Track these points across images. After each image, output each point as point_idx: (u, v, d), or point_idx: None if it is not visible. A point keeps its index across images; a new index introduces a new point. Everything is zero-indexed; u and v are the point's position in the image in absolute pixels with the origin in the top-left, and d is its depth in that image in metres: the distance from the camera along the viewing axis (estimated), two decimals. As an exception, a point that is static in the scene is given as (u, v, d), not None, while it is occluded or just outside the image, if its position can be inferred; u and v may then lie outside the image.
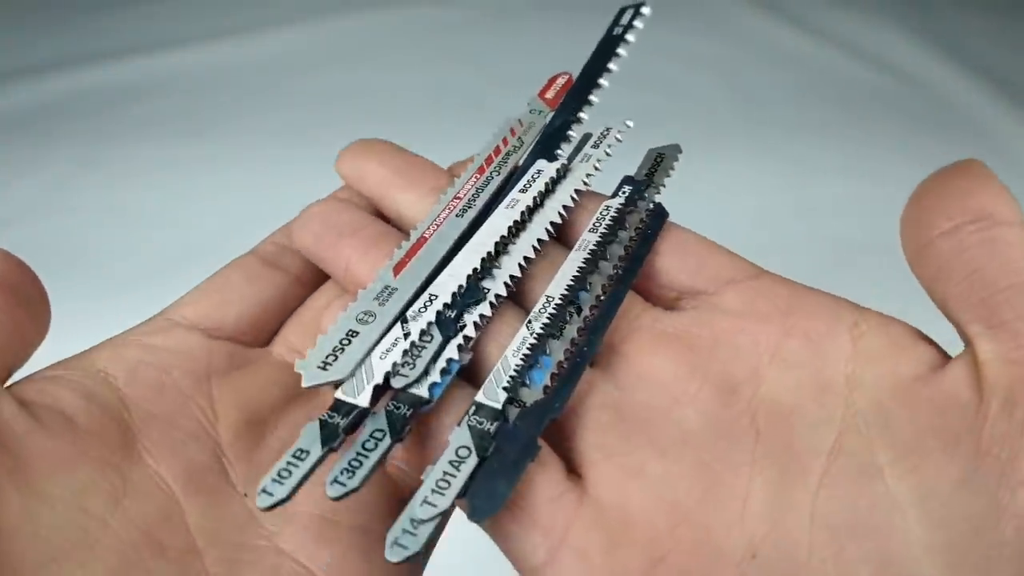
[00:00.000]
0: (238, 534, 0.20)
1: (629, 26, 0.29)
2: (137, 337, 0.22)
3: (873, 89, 0.79)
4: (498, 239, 0.22)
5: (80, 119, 0.75)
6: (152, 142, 0.73)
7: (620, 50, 0.28)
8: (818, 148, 0.72)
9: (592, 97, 0.27)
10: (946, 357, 0.19)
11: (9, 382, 0.20)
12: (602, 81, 0.27)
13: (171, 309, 0.24)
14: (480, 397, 0.19)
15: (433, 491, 0.18)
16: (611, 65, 0.28)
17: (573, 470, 0.20)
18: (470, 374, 0.21)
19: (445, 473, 0.18)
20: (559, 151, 0.25)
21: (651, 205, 0.23)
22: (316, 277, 0.25)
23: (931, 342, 0.20)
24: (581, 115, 0.26)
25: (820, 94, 0.78)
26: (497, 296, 0.21)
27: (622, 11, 0.30)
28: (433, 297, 0.21)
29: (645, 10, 0.29)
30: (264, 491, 0.17)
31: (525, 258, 0.22)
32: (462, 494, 0.18)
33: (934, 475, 0.17)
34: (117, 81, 0.79)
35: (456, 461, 0.18)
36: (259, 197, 0.65)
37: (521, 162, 0.25)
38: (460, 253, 0.22)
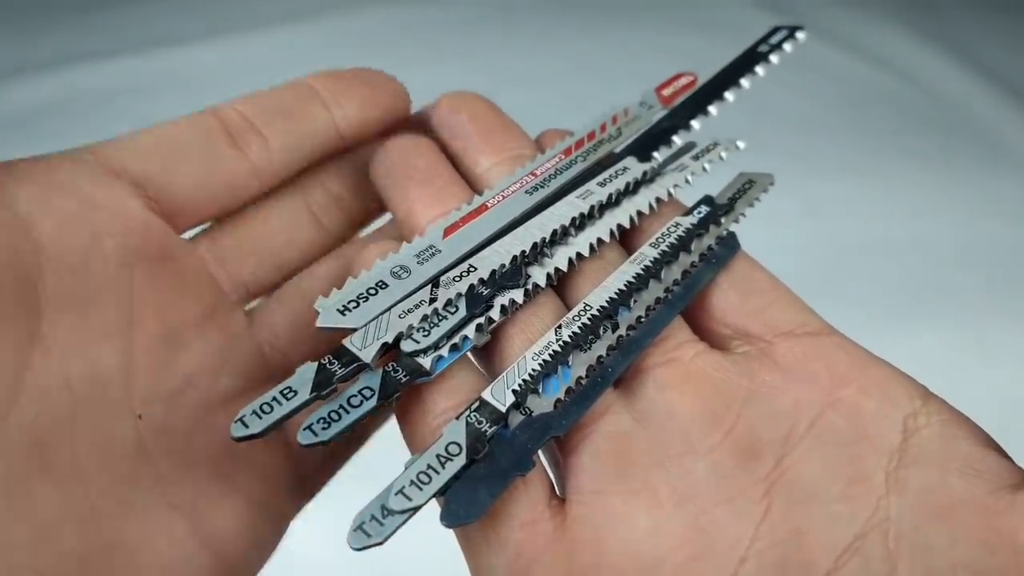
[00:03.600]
0: (128, 466, 0.18)
1: (777, 47, 0.27)
2: (70, 177, 0.18)
3: (877, 90, 0.78)
4: (557, 227, 0.21)
5: (78, 118, 0.74)
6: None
7: (759, 69, 0.26)
8: (822, 148, 0.71)
9: (711, 108, 0.25)
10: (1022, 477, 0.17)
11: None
12: (728, 95, 0.25)
13: (108, 150, 0.19)
14: (487, 395, 0.18)
15: (412, 483, 0.17)
16: (744, 82, 0.26)
17: (560, 494, 0.18)
18: (486, 357, 0.20)
19: (429, 467, 0.17)
20: (655, 154, 0.23)
21: (724, 233, 0.21)
22: (275, 178, 0.22)
23: (1006, 455, 0.17)
24: (693, 123, 0.24)
25: (824, 94, 0.77)
26: (535, 286, 0.20)
27: (775, 30, 0.28)
28: (472, 269, 0.20)
29: (800, 35, 0.27)
30: (241, 421, 0.17)
31: (578, 254, 0.21)
32: (441, 492, 0.17)
33: None
34: (115, 80, 0.78)
35: (444, 457, 0.17)
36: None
37: (617, 151, 0.24)
38: (513, 232, 0.21)
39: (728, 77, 0.26)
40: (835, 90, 0.77)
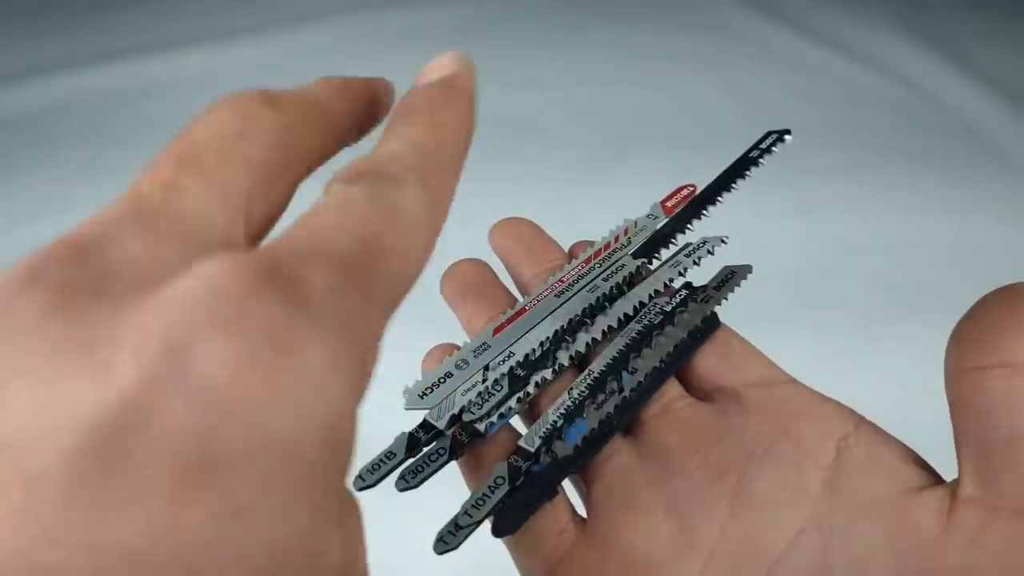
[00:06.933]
0: None
1: (767, 150, 0.32)
2: None
3: (872, 91, 0.79)
4: (572, 317, 0.28)
5: (82, 120, 0.77)
6: (154, 142, 0.79)
7: (749, 172, 0.32)
8: (817, 149, 0.72)
9: (706, 211, 0.31)
10: (934, 479, 0.22)
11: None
12: (720, 199, 0.32)
13: None
14: (522, 442, 0.25)
15: (473, 506, 0.24)
16: (734, 184, 0.32)
17: (585, 514, 0.25)
18: (526, 420, 0.27)
19: (483, 494, 0.24)
20: (656, 254, 0.30)
21: (707, 314, 0.28)
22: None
23: (923, 465, 0.23)
24: (689, 226, 0.31)
25: (819, 95, 0.78)
26: (561, 366, 0.27)
27: (767, 135, 0.34)
28: (512, 354, 0.27)
29: (788, 138, 0.33)
30: (359, 477, 0.24)
31: (594, 339, 0.28)
32: (492, 512, 0.24)
33: None
34: (119, 82, 0.81)
35: (492, 486, 0.24)
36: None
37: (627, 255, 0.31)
38: (540, 324, 0.28)
39: (723, 183, 0.32)
40: (830, 91, 0.79)
